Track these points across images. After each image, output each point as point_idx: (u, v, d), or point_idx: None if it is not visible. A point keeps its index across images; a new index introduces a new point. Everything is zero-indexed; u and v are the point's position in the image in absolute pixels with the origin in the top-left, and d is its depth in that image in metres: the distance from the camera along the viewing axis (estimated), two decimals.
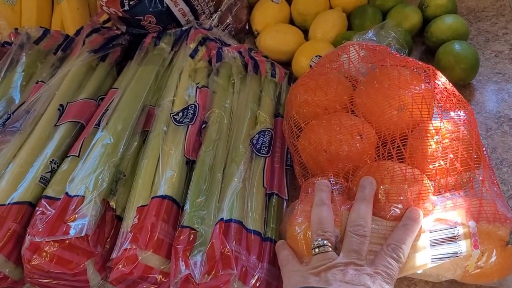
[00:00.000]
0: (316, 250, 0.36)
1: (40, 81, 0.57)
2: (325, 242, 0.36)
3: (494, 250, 0.36)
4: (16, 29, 0.63)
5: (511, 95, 0.55)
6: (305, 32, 0.65)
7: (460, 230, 0.37)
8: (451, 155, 0.41)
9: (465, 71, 0.55)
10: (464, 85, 0.56)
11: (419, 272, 0.38)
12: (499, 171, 0.48)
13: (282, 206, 0.46)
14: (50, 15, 0.70)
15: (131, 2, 0.58)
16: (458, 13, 0.65)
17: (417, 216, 0.38)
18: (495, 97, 0.55)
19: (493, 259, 0.36)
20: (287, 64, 0.62)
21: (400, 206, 0.39)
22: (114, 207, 0.45)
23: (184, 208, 0.43)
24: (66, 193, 0.44)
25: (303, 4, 0.65)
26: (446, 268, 0.38)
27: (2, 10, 0.69)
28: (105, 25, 0.65)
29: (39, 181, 0.46)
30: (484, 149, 0.44)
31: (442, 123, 0.43)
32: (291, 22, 0.68)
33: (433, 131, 0.43)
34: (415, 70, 0.46)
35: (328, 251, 0.36)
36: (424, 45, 0.62)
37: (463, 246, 0.36)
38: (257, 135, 0.49)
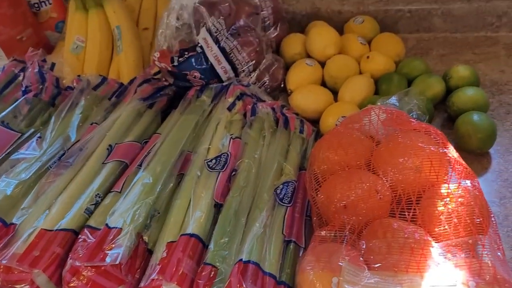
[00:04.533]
0: None
1: (94, 123, 0.64)
2: None
3: None
4: (79, 76, 0.72)
5: None
6: (335, 93, 0.71)
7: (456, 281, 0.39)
8: (455, 220, 0.44)
9: (482, 141, 0.58)
10: (481, 153, 0.59)
11: None
12: (510, 238, 0.50)
13: (298, 254, 0.50)
14: (109, 64, 0.79)
15: (180, 59, 0.66)
16: (481, 85, 0.69)
17: None
18: (506, 168, 0.58)
19: None
20: (315, 122, 0.67)
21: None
22: (147, 241, 0.50)
23: (208, 247, 0.47)
24: (106, 225, 0.49)
25: (335, 68, 0.71)
26: None
27: (68, 58, 0.78)
28: (156, 77, 0.73)
29: (84, 211, 0.52)
30: (492, 215, 0.47)
31: (451, 187, 0.46)
32: (323, 83, 0.73)
33: (445, 193, 0.46)
34: (431, 135, 0.50)
35: None
36: (446, 113, 0.66)
37: None
38: (281, 186, 0.54)
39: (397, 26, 0.83)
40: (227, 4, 0.67)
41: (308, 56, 0.76)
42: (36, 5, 0.88)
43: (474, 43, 0.79)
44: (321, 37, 0.74)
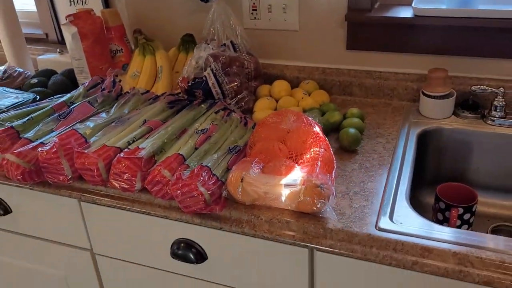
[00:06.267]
0: None
1: (138, 109, 1.13)
2: None
3: (312, 189, 0.81)
4: (133, 87, 1.22)
5: (370, 161, 1.01)
6: None
7: (299, 177, 0.82)
8: (307, 156, 0.88)
9: (350, 142, 1.03)
10: (351, 150, 1.04)
11: (283, 200, 0.83)
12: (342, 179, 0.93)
13: None
14: (151, 87, 1.30)
15: (192, 82, 1.16)
16: (368, 123, 1.15)
17: None
18: (363, 158, 1.02)
19: (309, 195, 0.80)
20: None
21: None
22: (156, 159, 0.95)
23: (187, 160, 0.92)
24: (137, 146, 0.95)
25: (283, 102, 1.19)
26: (291, 199, 0.82)
27: (128, 80, 1.30)
28: (178, 93, 1.22)
29: (127, 142, 0.98)
30: (334, 165, 0.91)
31: (314, 147, 0.91)
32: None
33: (311, 150, 0.91)
34: (312, 125, 0.96)
35: None
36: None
37: (299, 182, 0.81)
38: (233, 146, 0.99)
39: (331, 89, 1.32)
40: (224, 57, 1.18)
41: (270, 96, 1.25)
42: (113, 52, 1.42)
43: (376, 104, 1.27)
44: (279, 86, 1.24)
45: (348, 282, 0.84)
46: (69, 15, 1.30)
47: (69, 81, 1.39)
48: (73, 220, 1.06)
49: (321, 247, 0.81)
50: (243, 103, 1.21)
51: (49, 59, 1.56)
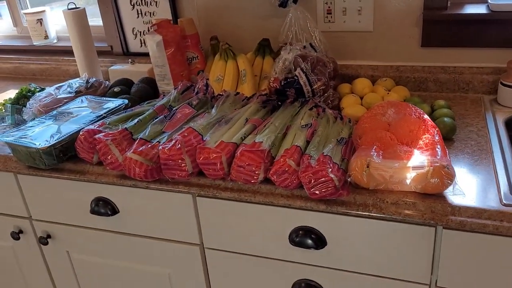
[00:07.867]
0: None
1: (235, 109, 1.18)
2: None
3: (440, 170, 0.86)
4: (224, 90, 1.28)
5: (469, 147, 1.07)
6: None
7: (425, 160, 0.88)
8: (426, 143, 0.93)
9: (447, 132, 1.08)
10: (448, 138, 1.09)
11: (407, 183, 0.88)
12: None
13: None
14: (235, 87, 1.35)
15: (284, 82, 1.21)
16: (452, 109, 1.21)
17: None
18: (461, 145, 1.07)
19: (437, 175, 0.86)
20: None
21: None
22: (272, 154, 1.00)
23: (305, 152, 0.97)
24: (254, 141, 1.00)
25: (369, 98, 1.25)
26: (417, 181, 0.87)
27: (213, 84, 1.35)
28: (265, 94, 1.28)
29: (240, 138, 1.03)
30: (446, 150, 0.96)
31: (427, 134, 0.96)
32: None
33: (423, 136, 0.96)
34: (421, 113, 1.02)
35: None
36: None
37: (426, 164, 0.87)
38: (340, 138, 1.05)
39: (406, 86, 1.37)
40: (312, 57, 1.24)
41: (353, 93, 1.31)
42: (189, 59, 1.48)
43: (452, 98, 1.33)
44: (361, 83, 1.30)
45: (474, 257, 0.88)
46: (153, 24, 1.36)
47: (149, 87, 1.44)
48: (185, 216, 1.10)
49: (450, 225, 0.86)
50: (329, 101, 1.26)
51: (120, 69, 1.61)
